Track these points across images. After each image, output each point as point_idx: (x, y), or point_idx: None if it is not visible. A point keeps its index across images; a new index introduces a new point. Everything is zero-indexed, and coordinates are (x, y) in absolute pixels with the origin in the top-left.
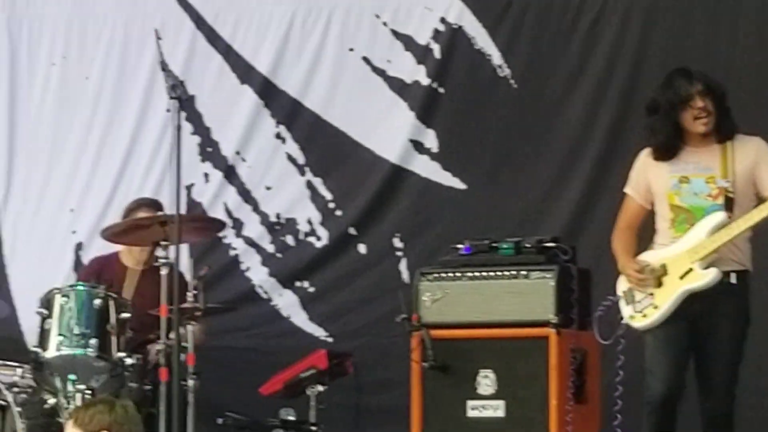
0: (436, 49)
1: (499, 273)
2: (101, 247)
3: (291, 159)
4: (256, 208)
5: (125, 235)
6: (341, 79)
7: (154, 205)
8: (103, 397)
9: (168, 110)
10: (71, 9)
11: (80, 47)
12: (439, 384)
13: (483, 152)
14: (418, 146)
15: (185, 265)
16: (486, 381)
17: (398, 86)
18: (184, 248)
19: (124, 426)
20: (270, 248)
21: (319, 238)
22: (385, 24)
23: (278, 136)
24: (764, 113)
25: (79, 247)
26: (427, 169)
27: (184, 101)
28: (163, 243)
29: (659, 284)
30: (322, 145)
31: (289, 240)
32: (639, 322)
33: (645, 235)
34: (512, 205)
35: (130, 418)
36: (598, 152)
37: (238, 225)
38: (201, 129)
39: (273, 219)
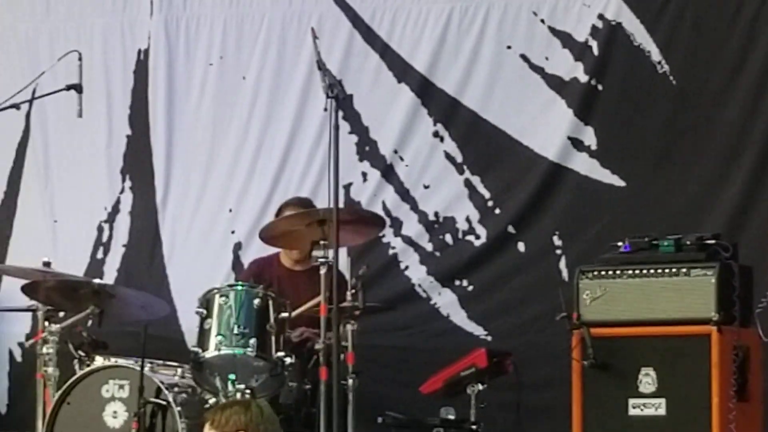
0: (595, 46)
1: (659, 271)
2: (260, 247)
3: (449, 157)
4: (414, 206)
5: (283, 237)
6: (499, 76)
7: (304, 203)
8: (239, 398)
9: (325, 109)
10: (228, 9)
11: (237, 47)
12: (599, 382)
13: (642, 149)
14: (576, 144)
15: (344, 265)
16: (647, 379)
17: (556, 84)
18: (344, 247)
19: (260, 426)
20: (428, 247)
21: (477, 237)
22: (542, 21)
23: (436, 134)
24: None
25: (238, 247)
26: (586, 166)
27: (341, 100)
28: (321, 242)
29: None
30: (480, 144)
31: (448, 239)
32: None
33: None
34: (672, 202)
35: (266, 418)
36: (759, 148)
37: (396, 224)
38: (359, 128)
39: (431, 218)
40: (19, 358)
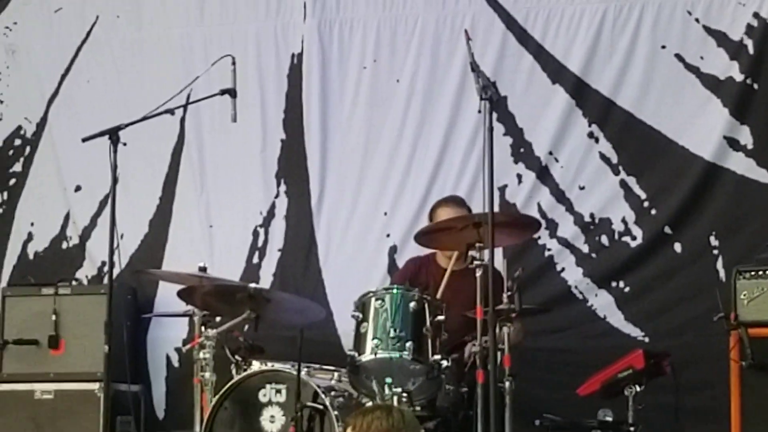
0: (750, 45)
1: None
2: (415, 250)
3: (604, 158)
4: (570, 208)
5: (438, 239)
6: (654, 76)
7: (456, 201)
8: (381, 403)
9: (479, 111)
10: (381, 11)
11: (391, 50)
12: (758, 383)
13: None
14: (732, 143)
15: (500, 266)
16: None
17: (711, 83)
18: (499, 249)
19: (402, 431)
20: (584, 248)
21: (633, 238)
22: (697, 20)
23: (591, 135)
24: None
25: (393, 250)
26: (742, 165)
27: (495, 102)
28: (477, 245)
29: None
30: (635, 144)
31: (604, 240)
32: None
33: None
34: None
35: (407, 423)
36: None
37: (552, 225)
38: (513, 130)
39: (587, 219)
40: (176, 363)
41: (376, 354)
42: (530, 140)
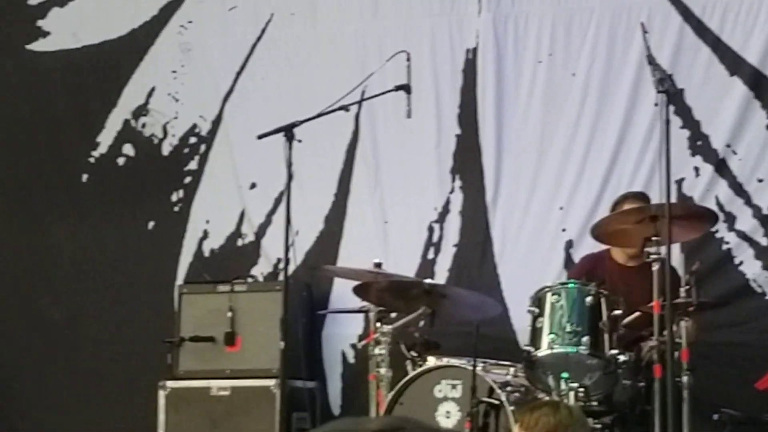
0: None
1: None
2: (591, 245)
3: None
4: (748, 201)
5: (615, 236)
6: None
7: (641, 197)
8: (549, 399)
9: (656, 104)
10: (557, 5)
11: (566, 43)
12: None
13: None
14: None
15: (677, 261)
16: None
17: None
18: (676, 246)
19: (569, 428)
20: (763, 242)
21: None
22: None
23: None
24: None
25: (569, 245)
26: None
27: (672, 95)
28: (653, 239)
29: None
30: None
31: None
32: None
33: None
34: None
35: (575, 420)
36: None
37: (730, 219)
38: (690, 122)
39: (766, 212)
40: (351, 360)
41: (552, 349)
42: (707, 133)
